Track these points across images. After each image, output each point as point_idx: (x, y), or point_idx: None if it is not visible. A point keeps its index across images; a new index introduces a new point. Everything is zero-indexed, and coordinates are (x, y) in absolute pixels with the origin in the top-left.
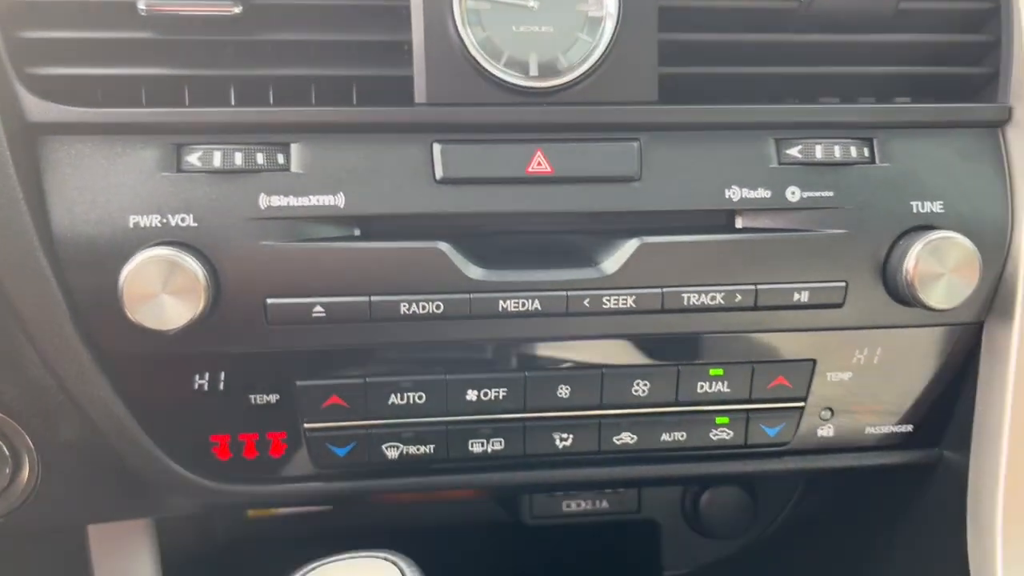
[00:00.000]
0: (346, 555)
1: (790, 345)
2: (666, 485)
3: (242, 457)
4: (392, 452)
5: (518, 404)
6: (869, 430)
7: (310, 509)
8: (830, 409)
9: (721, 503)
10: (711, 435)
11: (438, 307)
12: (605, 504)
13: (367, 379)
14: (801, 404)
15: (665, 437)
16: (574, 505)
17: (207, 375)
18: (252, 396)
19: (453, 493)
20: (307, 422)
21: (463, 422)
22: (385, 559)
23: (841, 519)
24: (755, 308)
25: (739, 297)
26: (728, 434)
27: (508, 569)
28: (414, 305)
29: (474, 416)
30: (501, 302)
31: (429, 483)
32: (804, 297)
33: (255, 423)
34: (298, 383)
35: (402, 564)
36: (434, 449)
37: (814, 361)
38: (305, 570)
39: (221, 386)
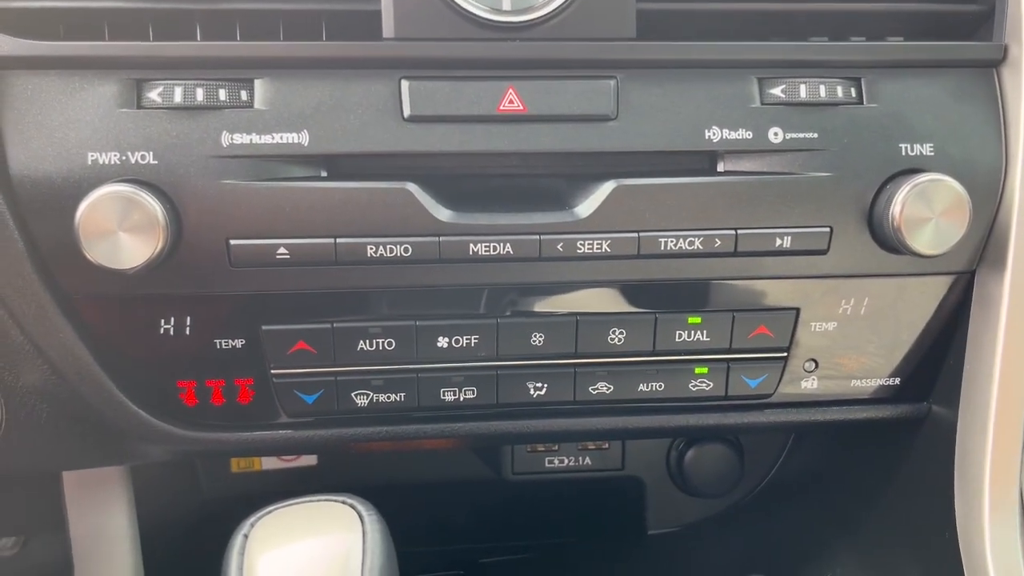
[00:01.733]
0: (304, 499)
1: (772, 293)
2: (645, 437)
3: (209, 403)
4: (362, 400)
5: (490, 352)
6: (855, 383)
7: (294, 464)
8: (814, 360)
9: (707, 461)
10: (690, 386)
11: (406, 250)
12: (588, 461)
13: (334, 324)
14: (783, 355)
15: (642, 387)
16: (556, 461)
17: (172, 319)
18: (217, 341)
19: (433, 445)
20: (274, 368)
21: (434, 370)
22: (343, 503)
23: (829, 476)
24: (735, 254)
25: (718, 242)
26: (707, 385)
27: (491, 526)
28: (381, 248)
29: (445, 364)
30: (471, 246)
31: (401, 432)
32: (787, 243)
33: (222, 369)
34: (264, 328)
35: (360, 508)
36: (404, 397)
37: (797, 310)
38: (262, 513)
39: (187, 331)
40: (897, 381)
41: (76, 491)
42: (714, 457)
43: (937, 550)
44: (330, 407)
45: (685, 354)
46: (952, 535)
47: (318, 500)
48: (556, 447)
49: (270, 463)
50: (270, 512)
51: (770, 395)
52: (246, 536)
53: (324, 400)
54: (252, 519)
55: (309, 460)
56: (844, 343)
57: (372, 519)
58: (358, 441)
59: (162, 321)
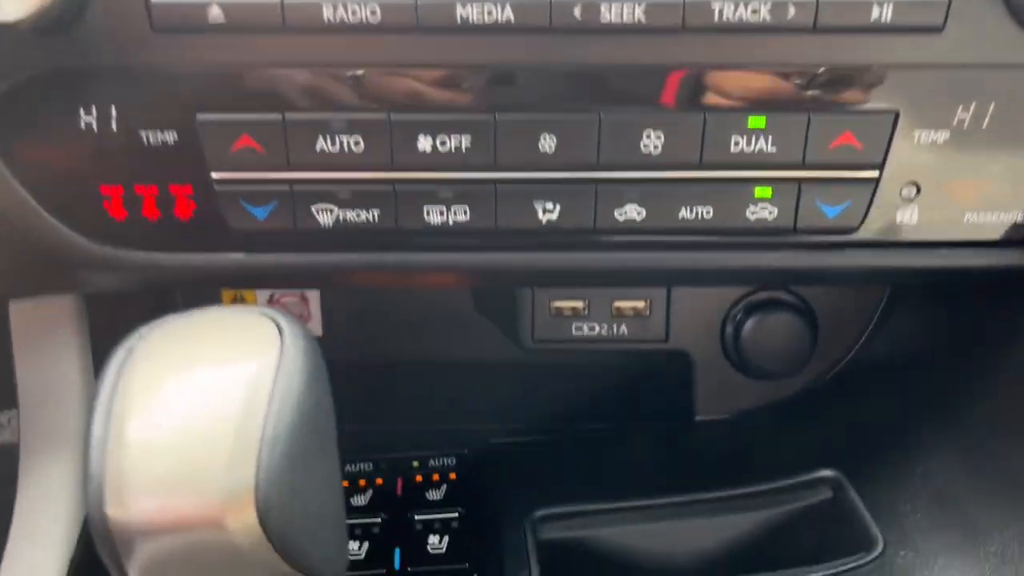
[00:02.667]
0: (213, 308)
1: (863, 88)
2: (687, 283)
3: (141, 217)
4: (325, 217)
5: (486, 158)
6: (970, 218)
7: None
8: (915, 185)
9: (771, 333)
10: (748, 213)
11: (373, 12)
12: (624, 329)
13: (286, 115)
14: (874, 174)
15: (684, 213)
16: (585, 328)
17: (93, 108)
18: (144, 133)
19: (423, 283)
20: (215, 171)
21: (415, 181)
22: (261, 314)
23: (927, 355)
24: (814, 29)
25: (792, 11)
26: (771, 212)
27: (508, 405)
28: (341, 7)
29: (429, 173)
30: (459, 7)
31: (376, 261)
32: (886, 14)
33: (153, 172)
34: (199, 117)
35: (282, 322)
36: (379, 216)
37: (896, 113)
38: (158, 322)
39: (111, 124)
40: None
41: (23, 320)
42: (780, 329)
43: None
44: (286, 224)
45: (742, 169)
46: None
47: (230, 309)
48: (585, 311)
49: None
50: (168, 322)
51: (854, 229)
52: (131, 349)
53: (279, 215)
54: (143, 329)
55: (313, 330)
56: (958, 162)
57: (295, 334)
58: (325, 271)
59: (82, 111)
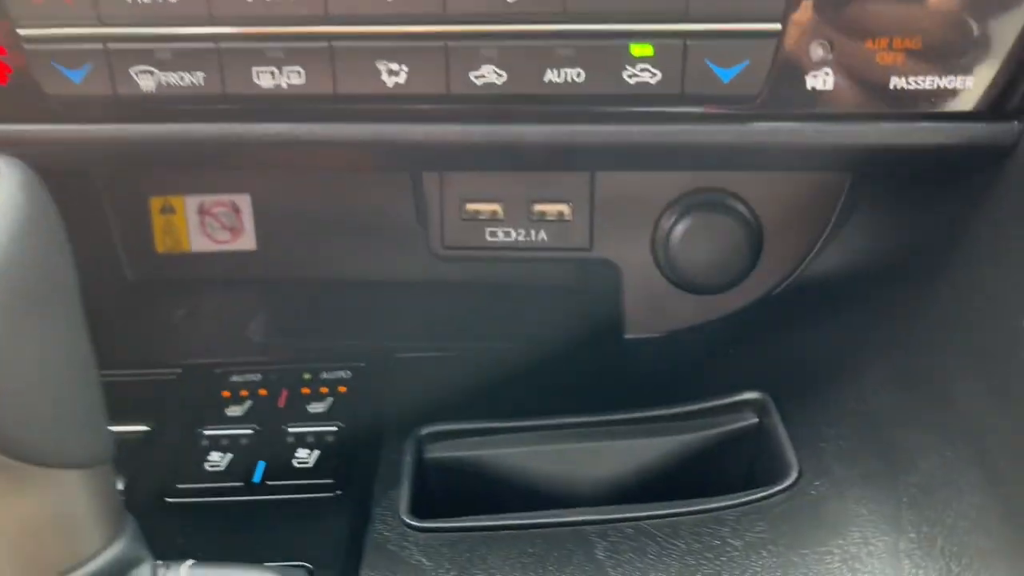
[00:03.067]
0: None
1: None
2: (563, 165)
3: None
4: (147, 82)
5: (317, 8)
6: (897, 83)
7: (229, 247)
8: (828, 43)
9: (706, 240)
10: (625, 76)
11: None
12: (544, 236)
13: None
14: (775, 27)
15: (551, 76)
16: (501, 234)
17: None
18: None
19: (276, 157)
20: (21, 26)
21: (238, 36)
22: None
23: (878, 274)
24: None
25: None
26: (653, 75)
27: (424, 322)
28: None
29: (254, 28)
30: None
31: (204, 134)
32: None
33: None
34: None
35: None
36: (204, 79)
37: None
38: None
39: None
40: (968, 83)
41: None
42: (715, 235)
43: (1004, 360)
44: (105, 89)
45: (616, 22)
46: None
47: None
48: (501, 215)
49: (200, 245)
50: None
51: (754, 96)
52: None
53: (95, 78)
54: None
55: (247, 244)
56: (883, 16)
57: (10, 176)
58: (151, 143)
59: None
